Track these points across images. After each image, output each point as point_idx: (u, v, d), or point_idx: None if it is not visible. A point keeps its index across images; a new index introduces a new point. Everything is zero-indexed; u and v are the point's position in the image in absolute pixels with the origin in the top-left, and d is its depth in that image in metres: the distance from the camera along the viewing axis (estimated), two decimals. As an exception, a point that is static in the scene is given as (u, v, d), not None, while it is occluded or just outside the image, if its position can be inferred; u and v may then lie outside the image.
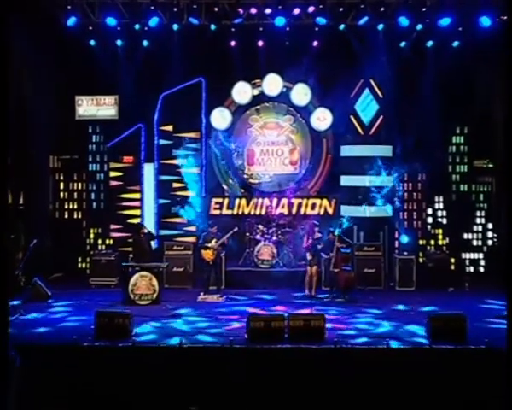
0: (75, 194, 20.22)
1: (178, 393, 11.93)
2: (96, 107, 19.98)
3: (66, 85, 19.45)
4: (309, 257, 17.00)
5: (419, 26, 18.30)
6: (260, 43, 19.27)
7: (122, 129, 19.69)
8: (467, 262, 19.75)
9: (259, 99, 20.20)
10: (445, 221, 19.90)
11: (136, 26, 18.59)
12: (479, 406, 11.62)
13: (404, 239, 19.17)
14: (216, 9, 18.14)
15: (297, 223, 18.81)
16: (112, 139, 19.81)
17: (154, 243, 17.46)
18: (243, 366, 12.05)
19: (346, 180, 19.44)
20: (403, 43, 18.91)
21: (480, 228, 19.84)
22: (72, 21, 18.15)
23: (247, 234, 19.13)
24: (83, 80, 19.32)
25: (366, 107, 19.31)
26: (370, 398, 11.87)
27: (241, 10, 18.29)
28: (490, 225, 19.78)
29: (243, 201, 19.31)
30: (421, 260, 19.15)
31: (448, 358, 12.13)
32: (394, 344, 12.52)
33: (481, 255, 19.79)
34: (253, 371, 12.01)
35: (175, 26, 18.59)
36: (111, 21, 18.27)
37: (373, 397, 11.87)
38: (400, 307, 15.89)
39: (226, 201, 19.32)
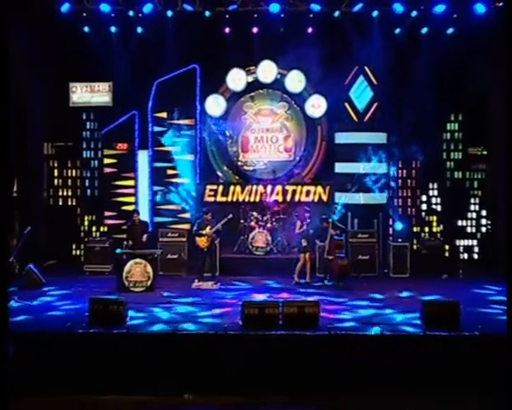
0: (69, 181, 20.16)
1: (172, 380, 11.94)
2: (90, 94, 19.90)
3: (60, 72, 19.36)
4: (304, 243, 16.97)
5: (414, 13, 18.28)
6: (255, 29, 19.20)
7: (116, 116, 19.61)
8: (461, 249, 19.77)
9: (254, 86, 20.14)
10: (439, 208, 19.91)
11: (130, 13, 18.51)
12: (472, 392, 11.64)
13: (399, 226, 19.19)
14: (210, -4, 18.10)
15: (292, 210, 18.81)
16: (106, 126, 19.74)
17: (145, 237, 17.30)
18: (238, 352, 12.06)
19: (340, 167, 19.41)
20: (397, 30, 18.85)
21: (474, 215, 19.84)
22: (65, 8, 18.06)
23: (242, 221, 19.14)
24: (77, 67, 19.19)
25: (360, 94, 19.25)
26: (364, 385, 11.90)
27: (235, -4, 18.25)
28: (484, 213, 19.78)
29: (238, 188, 19.27)
30: (415, 247, 19.19)
31: (442, 344, 12.15)
32: (388, 331, 12.53)
33: (475, 242, 19.80)
34: (248, 357, 12.03)
35: (169, 13, 18.51)
36: (105, 8, 18.18)
37: (367, 384, 11.90)
38: (394, 293, 15.93)
39: (221, 188, 19.29)
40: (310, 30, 19.01)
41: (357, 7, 18.14)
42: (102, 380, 11.94)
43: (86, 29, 18.86)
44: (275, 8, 18.14)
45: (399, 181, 19.81)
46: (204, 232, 16.86)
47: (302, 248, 17.02)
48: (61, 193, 20.15)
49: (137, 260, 16.08)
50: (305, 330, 12.42)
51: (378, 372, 11.89)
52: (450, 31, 18.59)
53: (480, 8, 17.53)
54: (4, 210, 8.19)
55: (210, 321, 13.32)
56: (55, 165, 20.18)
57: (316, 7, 18.19)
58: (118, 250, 16.56)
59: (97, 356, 12.08)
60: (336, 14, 18.50)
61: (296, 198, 19.01)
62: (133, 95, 19.17)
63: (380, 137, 19.09)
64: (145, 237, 16.90)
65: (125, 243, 16.76)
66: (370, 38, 18.56)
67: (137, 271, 16.05)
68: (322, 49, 18.37)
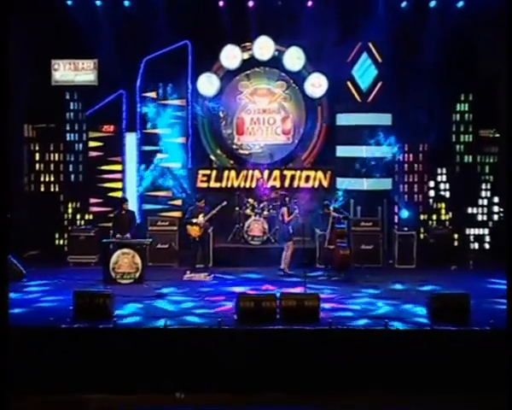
0: (51, 165, 20.11)
1: (163, 378, 11.98)
2: (73, 72, 19.85)
3: (41, 48, 19.31)
4: (291, 231, 17.04)
5: (421, -15, 18.29)
6: (251, 3, 19.16)
7: (102, 96, 19.55)
8: (471, 238, 19.79)
9: (250, 64, 20.12)
10: (447, 195, 19.92)
11: (117, -16, 18.51)
12: (482, 390, 11.71)
13: (404, 214, 19.20)
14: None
15: (290, 197, 18.83)
16: (91, 107, 19.69)
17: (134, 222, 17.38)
18: (232, 348, 12.10)
19: (342, 151, 19.42)
20: (404, 4, 18.84)
21: (486, 202, 19.86)
22: (47, -22, 18.03)
23: (237, 208, 19.16)
24: (59, 43, 19.17)
25: (364, 72, 19.24)
26: (367, 383, 11.96)
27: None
28: (496, 199, 19.80)
29: (232, 173, 19.29)
30: (422, 236, 19.24)
31: (450, 340, 12.20)
32: (393, 326, 12.58)
33: (486, 231, 19.83)
34: (243, 354, 12.07)
35: (159, -16, 18.53)
36: (89, -21, 18.17)
37: (369, 382, 11.96)
38: (399, 285, 15.98)
39: (214, 173, 19.30)
40: (310, 3, 19.00)
41: (361, -22, 18.16)
42: (88, 378, 11.98)
43: (69, 2, 18.82)
44: (272, -21, 18.13)
45: (405, 165, 19.82)
46: (196, 221, 16.87)
47: (289, 235, 17.03)
48: (42, 179, 20.10)
49: (125, 250, 16.12)
50: (305, 325, 12.46)
51: (381, 370, 11.95)
52: (460, 4, 18.60)
53: (493, -21, 17.53)
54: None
55: (203, 315, 13.36)
56: (37, 148, 20.13)
57: (316, -22, 18.20)
58: (104, 240, 16.58)
59: (82, 353, 12.10)
60: (338, -15, 18.50)
61: (295, 184, 19.05)
62: (120, 73, 19.11)
63: (384, 119, 19.09)
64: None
65: (111, 231, 16.79)
66: (375, 12, 18.52)
67: (125, 262, 16.09)
68: (323, 23, 18.35)
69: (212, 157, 20.41)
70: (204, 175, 19.24)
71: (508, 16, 12.38)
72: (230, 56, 19.80)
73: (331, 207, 16.91)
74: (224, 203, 17.31)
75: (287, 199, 17.34)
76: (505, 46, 9.73)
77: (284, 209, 17.22)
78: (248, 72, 20.26)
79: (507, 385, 9.55)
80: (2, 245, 8.99)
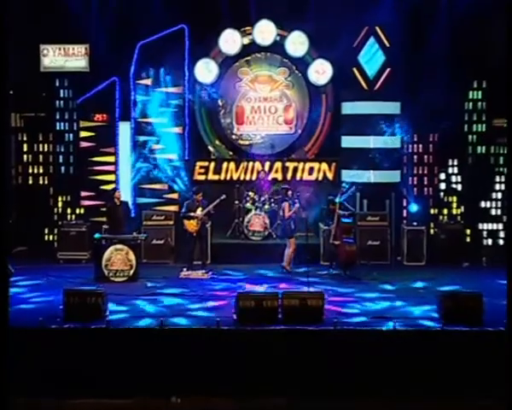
0: (41, 157, 20.09)
1: (158, 381, 11.99)
2: (63, 57, 19.83)
3: (29, 32, 19.26)
4: (293, 226, 17.01)
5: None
6: (251, -16, 19.20)
7: (94, 83, 19.53)
8: (484, 234, 19.74)
9: (250, 49, 20.13)
10: (459, 187, 19.90)
11: (110, -35, 18.49)
12: (496, 395, 11.69)
13: (414, 208, 19.20)
14: None
15: (293, 191, 18.80)
16: (82, 94, 19.67)
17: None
18: (232, 350, 12.10)
19: (347, 141, 19.40)
20: (413, -15, 18.83)
21: (500, 195, 19.82)
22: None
23: (236, 202, 19.16)
24: (49, 27, 19.13)
25: (371, 58, 19.21)
26: (374, 387, 11.96)
27: None
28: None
29: (232, 164, 19.29)
30: (432, 231, 19.25)
31: (462, 341, 12.20)
32: (402, 326, 12.57)
33: (500, 226, 19.78)
34: (243, 356, 12.07)
35: (154, -36, 18.51)
36: (80, -42, 18.14)
37: (377, 386, 11.96)
38: (408, 284, 15.98)
39: (212, 164, 19.29)
40: (313, -15, 19.00)
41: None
42: (78, 382, 11.99)
43: (59, -17, 18.82)
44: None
45: (415, 157, 19.81)
46: (194, 215, 16.87)
47: (292, 231, 17.00)
48: (31, 171, 20.09)
49: (118, 246, 16.12)
50: (308, 326, 12.46)
51: (389, 373, 11.96)
52: (473, -14, 18.58)
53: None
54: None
55: (200, 315, 13.39)
56: (24, 139, 20.12)
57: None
58: (96, 235, 16.58)
59: (73, 355, 12.11)
60: (344, -34, 18.47)
61: (298, 176, 19.04)
62: (113, 59, 19.11)
63: (392, 107, 19.08)
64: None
65: (105, 227, 16.77)
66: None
67: (118, 258, 16.10)
68: (328, 6, 18.32)
69: (211, 148, 20.40)
70: (202, 167, 19.27)
71: (508, 16, 12.34)
72: (230, 41, 19.79)
73: (337, 202, 16.86)
74: (223, 197, 17.28)
75: (289, 193, 17.30)
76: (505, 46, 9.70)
77: (286, 204, 17.18)
78: (249, 58, 20.26)
79: (507, 385, 9.54)
80: (3, 247, 9.02)
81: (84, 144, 19.84)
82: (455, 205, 19.90)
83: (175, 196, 19.48)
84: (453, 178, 19.93)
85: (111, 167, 19.79)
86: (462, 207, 19.85)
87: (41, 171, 20.09)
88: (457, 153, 19.88)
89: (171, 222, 18.55)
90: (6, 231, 9.65)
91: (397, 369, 11.95)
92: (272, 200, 19.03)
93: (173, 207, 19.25)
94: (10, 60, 18.58)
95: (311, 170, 19.15)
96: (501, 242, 19.72)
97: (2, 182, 8.49)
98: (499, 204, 19.78)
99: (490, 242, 19.74)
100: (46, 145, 20.12)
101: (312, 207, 18.07)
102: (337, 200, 16.95)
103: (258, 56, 20.30)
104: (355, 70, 19.25)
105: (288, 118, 20.33)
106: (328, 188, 18.40)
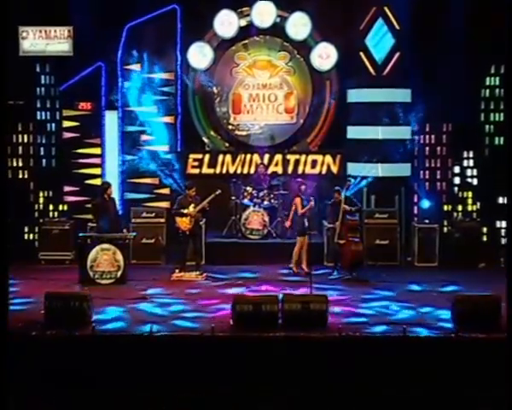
0: (20, 148, 20.11)
1: (148, 392, 11.99)
2: (45, 40, 19.84)
3: (6, 13, 19.23)
4: (306, 224, 17.01)
5: None
6: (249, -39, 19.24)
7: (78, 68, 19.56)
8: (502, 232, 19.79)
9: (248, 32, 20.16)
10: (475, 182, 19.95)
11: None
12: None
13: (425, 204, 19.26)
14: None
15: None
16: (65, 81, 19.70)
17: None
18: (228, 357, 12.12)
19: (353, 132, 19.44)
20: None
21: (519, 190, 19.90)
22: None
23: (233, 198, 19.17)
24: (28, 7, 19.13)
25: (379, 41, 19.23)
26: (382, 396, 11.97)
27: None
28: (530, 187, 19.84)
29: (228, 157, 19.32)
30: (445, 229, 19.29)
31: (478, 348, 12.22)
32: (413, 332, 12.60)
33: (519, 224, 19.89)
34: (240, 364, 12.08)
35: None
36: None
37: (385, 395, 11.97)
38: (419, 286, 16.02)
39: (207, 157, 19.32)
40: (317, -39, 19.03)
41: None
42: (62, 393, 11.97)
43: (39, -41, 18.84)
44: None
45: (427, 149, 19.86)
46: (186, 212, 16.90)
47: (304, 229, 17.00)
48: (9, 164, 20.08)
49: (105, 245, 16.15)
50: (311, 332, 12.49)
51: (398, 381, 11.95)
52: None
53: None
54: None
55: (193, 320, 13.40)
56: (3, 129, 20.14)
57: None
58: (81, 234, 16.61)
59: (55, 363, 12.10)
60: None
61: (300, 170, 19.07)
62: (99, 42, 19.14)
63: (402, 95, 19.13)
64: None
65: (91, 225, 16.78)
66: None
67: (105, 259, 16.14)
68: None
69: (205, 139, 20.42)
70: (195, 160, 19.33)
71: (508, 16, 12.41)
72: (226, 23, 19.82)
73: (342, 195, 16.88)
74: (219, 192, 17.31)
75: (302, 188, 17.30)
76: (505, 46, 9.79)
77: (298, 199, 17.19)
78: (246, 41, 20.29)
79: (507, 385, 9.57)
80: (3, 249, 9.10)
81: (67, 135, 19.87)
82: (470, 201, 19.94)
83: (166, 191, 19.51)
84: (468, 172, 19.98)
85: (97, 160, 19.82)
86: (478, 204, 19.89)
87: (20, 164, 20.09)
88: (473, 144, 19.91)
89: (163, 220, 18.59)
90: (6, 231, 9.65)
91: (406, 378, 11.94)
92: (272, 195, 19.01)
93: (164, 204, 19.29)
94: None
95: (314, 163, 19.20)
96: (520, 241, 19.78)
97: (2, 182, 8.53)
98: (518, 200, 19.83)
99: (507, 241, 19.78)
100: (26, 136, 20.12)
101: (315, 203, 18.05)
102: (343, 194, 16.96)
103: (257, 40, 20.32)
104: (362, 54, 19.27)
105: (289, 106, 20.35)
106: (334, 182, 18.38)
